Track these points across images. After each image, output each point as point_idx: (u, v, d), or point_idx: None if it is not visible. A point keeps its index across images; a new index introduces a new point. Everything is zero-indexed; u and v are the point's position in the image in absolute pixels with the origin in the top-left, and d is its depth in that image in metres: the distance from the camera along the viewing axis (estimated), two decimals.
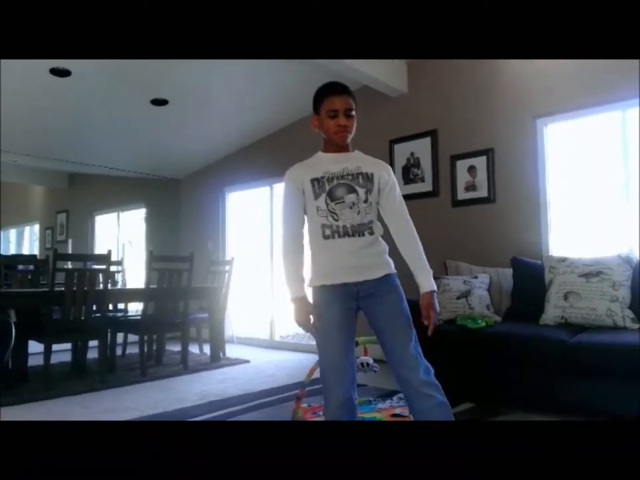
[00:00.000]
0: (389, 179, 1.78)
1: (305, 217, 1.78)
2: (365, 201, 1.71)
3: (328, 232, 1.70)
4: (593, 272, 2.99)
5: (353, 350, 1.75)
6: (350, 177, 1.71)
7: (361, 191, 1.71)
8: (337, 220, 1.69)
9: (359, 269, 1.70)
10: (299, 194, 1.75)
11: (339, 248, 1.70)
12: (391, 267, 1.76)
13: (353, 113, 1.73)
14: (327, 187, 1.70)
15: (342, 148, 1.77)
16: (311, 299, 1.76)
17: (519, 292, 3.43)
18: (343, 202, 1.69)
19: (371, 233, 1.72)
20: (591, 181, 3.68)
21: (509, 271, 3.52)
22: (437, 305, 1.72)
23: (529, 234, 3.80)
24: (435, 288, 1.74)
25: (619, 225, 3.49)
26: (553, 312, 3.05)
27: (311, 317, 1.73)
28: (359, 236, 1.70)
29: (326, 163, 1.75)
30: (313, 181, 1.71)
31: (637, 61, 3.28)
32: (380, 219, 1.80)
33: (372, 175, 1.74)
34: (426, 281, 1.73)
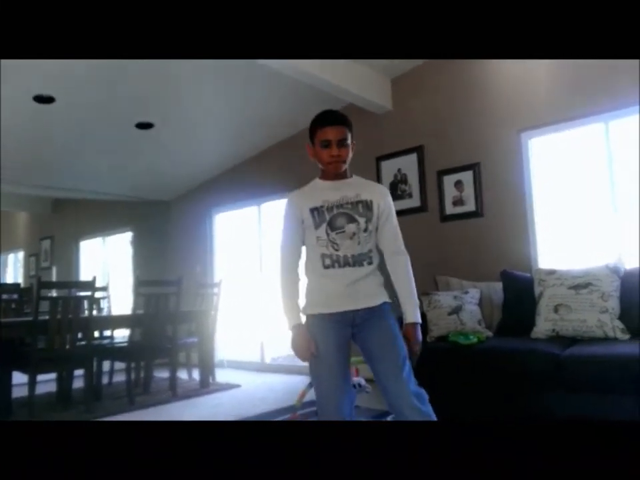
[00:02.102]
0: (385, 206, 1.77)
1: (303, 247, 1.78)
2: (365, 230, 1.71)
3: (328, 262, 1.69)
4: (582, 284, 2.99)
5: (349, 378, 1.74)
6: (349, 206, 1.71)
7: (361, 220, 1.70)
8: (337, 250, 1.68)
9: (356, 297, 1.70)
10: (298, 224, 1.74)
11: (338, 278, 1.69)
12: (386, 298, 1.76)
13: (348, 142, 1.72)
14: (327, 217, 1.69)
15: (339, 175, 1.76)
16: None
17: (509, 306, 3.41)
18: (344, 232, 1.68)
19: (370, 263, 1.72)
20: (576, 193, 3.71)
21: (499, 285, 3.51)
22: (419, 336, 1.74)
23: (517, 247, 3.81)
24: (419, 320, 1.75)
25: (606, 235, 3.51)
26: (543, 325, 3.04)
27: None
28: (359, 266, 1.70)
29: (324, 190, 1.74)
30: (312, 210, 1.71)
31: (616, 71, 3.34)
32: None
33: (371, 202, 1.73)
34: (411, 313, 1.75)
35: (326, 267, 1.70)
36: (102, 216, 7.65)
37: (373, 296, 1.72)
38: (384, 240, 1.79)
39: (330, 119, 1.72)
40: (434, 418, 1.62)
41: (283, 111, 4.71)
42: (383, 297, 1.75)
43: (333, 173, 1.74)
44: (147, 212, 6.96)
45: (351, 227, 1.68)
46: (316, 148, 1.74)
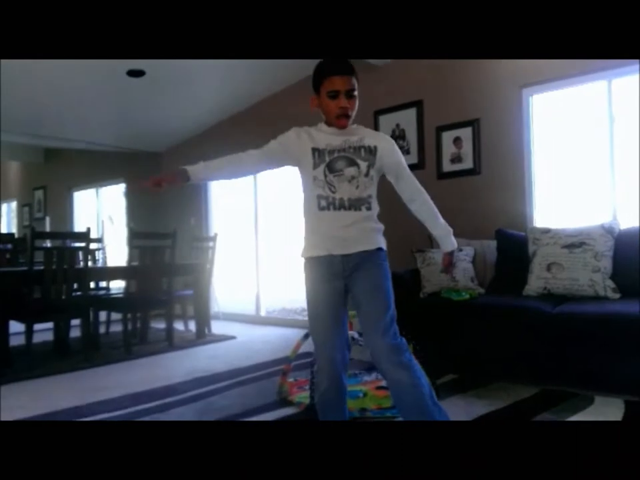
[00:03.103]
0: (393, 153, 1.74)
1: (302, 189, 1.75)
2: (366, 175, 1.67)
3: (323, 203, 1.66)
4: (575, 243, 3.01)
5: (344, 331, 1.74)
6: (352, 150, 1.67)
7: (363, 164, 1.66)
8: (333, 192, 1.65)
9: (347, 241, 1.67)
10: (284, 153, 1.73)
11: (332, 220, 1.66)
12: (381, 244, 1.73)
13: (355, 93, 1.67)
14: (327, 159, 1.66)
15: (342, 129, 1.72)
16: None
17: (503, 264, 3.45)
18: (342, 174, 1.65)
19: (368, 209, 1.69)
20: (575, 152, 3.68)
21: (494, 243, 3.53)
22: (453, 261, 1.88)
23: (514, 206, 3.80)
24: (455, 246, 1.84)
25: (603, 194, 3.51)
26: (535, 283, 3.07)
27: (161, 184, 1.75)
28: (355, 210, 1.66)
29: (328, 135, 1.70)
30: (314, 150, 1.67)
31: None
32: (384, 195, 1.78)
33: (375, 147, 1.69)
34: (447, 241, 1.83)
35: (321, 209, 1.66)
36: (95, 167, 7.54)
37: (367, 240, 1.69)
38: (405, 187, 1.78)
39: (339, 68, 1.65)
40: (413, 366, 1.62)
41: (279, 62, 4.57)
42: (379, 243, 1.72)
43: (339, 127, 1.69)
44: (139, 163, 6.87)
45: (350, 170, 1.65)
46: (322, 98, 1.68)
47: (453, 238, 1.83)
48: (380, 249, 1.72)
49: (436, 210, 1.81)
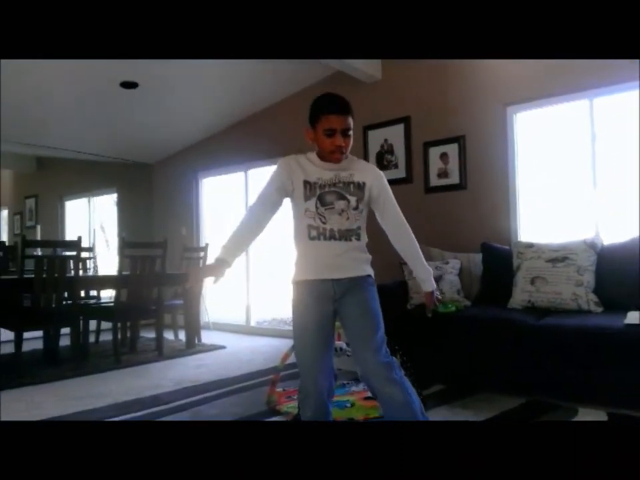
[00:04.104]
0: (381, 188, 1.77)
1: (292, 218, 1.77)
2: (355, 208, 1.70)
3: (314, 233, 1.69)
4: (559, 257, 3.09)
5: (330, 357, 1.75)
6: (341, 185, 1.70)
7: (352, 199, 1.70)
8: (324, 223, 1.68)
9: (337, 268, 1.70)
10: (283, 186, 1.72)
11: (323, 249, 1.70)
12: (371, 272, 1.78)
13: (351, 132, 1.70)
14: (318, 192, 1.69)
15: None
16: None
17: (488, 277, 3.51)
18: (333, 208, 1.68)
19: (358, 239, 1.73)
20: (559, 168, 3.77)
21: (479, 257, 3.60)
22: (435, 301, 1.90)
23: (498, 220, 3.88)
24: (435, 287, 1.89)
25: (586, 210, 3.59)
26: (520, 296, 3.14)
27: (204, 281, 1.75)
28: (345, 240, 1.70)
29: (319, 168, 1.72)
30: (305, 183, 1.69)
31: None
32: (371, 225, 1.81)
33: (363, 184, 1.73)
34: (427, 283, 1.87)
35: (311, 239, 1.70)
36: (87, 176, 7.56)
37: (356, 268, 1.73)
38: (387, 220, 1.80)
39: (337, 107, 1.67)
40: (405, 382, 1.65)
41: (271, 76, 4.65)
42: (367, 271, 1.76)
43: (332, 162, 1.71)
44: (130, 174, 6.91)
45: (340, 204, 1.69)
46: (318, 134, 1.69)
47: (432, 279, 1.87)
48: (368, 275, 1.77)
49: (420, 252, 1.84)
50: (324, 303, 1.71)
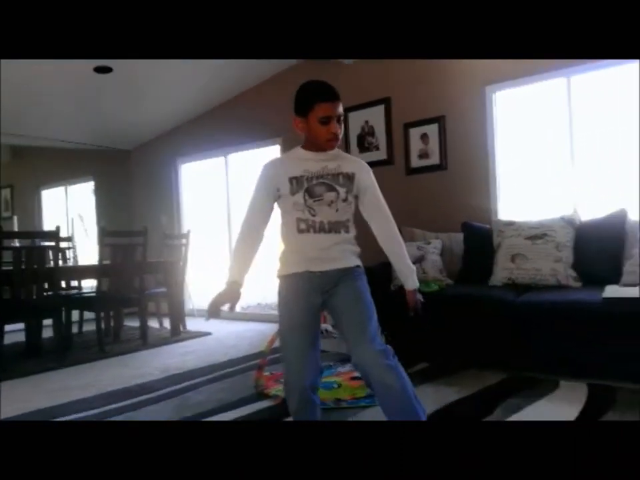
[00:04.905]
0: (369, 181, 1.77)
1: (280, 213, 1.75)
2: (344, 200, 1.69)
3: (303, 226, 1.68)
4: (538, 234, 3.14)
5: (317, 352, 1.74)
6: (330, 177, 1.69)
7: (341, 190, 1.69)
8: (314, 215, 1.67)
9: (326, 260, 1.69)
10: (272, 193, 1.71)
11: (312, 243, 1.68)
12: (359, 263, 1.77)
13: (342, 118, 1.70)
14: (306, 185, 1.67)
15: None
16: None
17: (469, 255, 3.56)
18: (322, 199, 1.66)
19: (347, 232, 1.72)
20: (537, 147, 3.81)
21: (460, 236, 3.64)
22: (418, 300, 1.86)
23: (479, 199, 3.92)
24: (417, 286, 1.85)
25: (564, 187, 3.65)
26: (500, 273, 3.19)
27: (224, 307, 1.73)
28: (335, 233, 1.69)
29: (306, 161, 1.70)
30: (291, 179, 1.68)
31: None
32: (359, 218, 1.80)
33: (352, 174, 1.72)
34: (410, 280, 1.83)
35: (300, 231, 1.68)
36: (63, 165, 7.40)
37: (345, 259, 1.72)
38: (372, 214, 1.79)
39: (331, 94, 1.66)
40: (400, 369, 1.64)
41: (249, 59, 4.58)
42: (356, 262, 1.75)
43: (328, 150, 1.70)
44: (108, 161, 6.78)
45: (330, 195, 1.67)
46: (310, 123, 1.67)
47: (415, 277, 1.85)
48: (358, 266, 1.76)
49: (404, 249, 1.82)
50: (312, 296, 1.70)
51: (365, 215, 1.81)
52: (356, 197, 1.76)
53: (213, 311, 1.74)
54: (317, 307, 1.72)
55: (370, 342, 1.63)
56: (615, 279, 2.84)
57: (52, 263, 4.06)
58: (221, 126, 5.61)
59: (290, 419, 1.78)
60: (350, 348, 1.68)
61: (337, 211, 1.68)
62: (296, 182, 1.68)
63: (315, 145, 1.71)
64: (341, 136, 1.70)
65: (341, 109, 1.68)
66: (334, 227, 1.69)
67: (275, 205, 1.76)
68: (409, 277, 1.83)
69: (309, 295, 1.70)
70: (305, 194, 1.67)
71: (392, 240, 1.81)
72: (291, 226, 1.70)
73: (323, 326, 2.93)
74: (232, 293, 1.72)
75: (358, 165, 1.77)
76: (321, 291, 1.70)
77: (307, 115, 1.68)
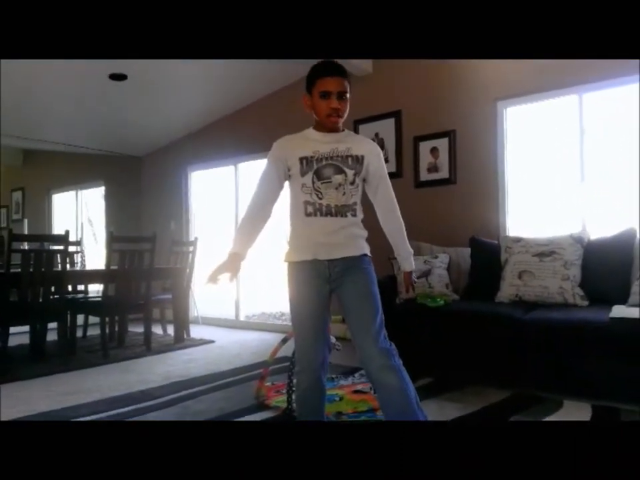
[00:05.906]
0: (378, 164, 1.78)
1: (290, 194, 1.77)
2: (352, 183, 1.70)
3: (310, 209, 1.70)
4: (546, 252, 3.11)
5: (326, 334, 1.78)
6: (339, 159, 1.70)
7: (350, 173, 1.70)
8: (320, 198, 1.68)
9: (333, 247, 1.71)
10: (282, 168, 1.73)
11: (319, 226, 1.70)
12: (366, 250, 1.78)
13: (347, 95, 1.71)
14: (315, 166, 1.68)
15: (333, 128, 1.74)
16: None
17: (476, 271, 3.53)
18: (330, 182, 1.68)
19: (354, 215, 1.73)
20: (547, 163, 3.80)
21: (468, 251, 3.62)
22: (414, 279, 1.98)
23: (487, 214, 3.90)
24: (413, 268, 1.95)
25: (573, 205, 3.62)
26: (507, 290, 3.17)
27: (221, 277, 1.73)
28: (341, 216, 1.70)
29: (316, 141, 1.72)
30: (301, 159, 1.69)
31: None
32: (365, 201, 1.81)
33: (362, 157, 1.73)
34: (407, 263, 1.92)
35: (307, 215, 1.70)
36: (74, 169, 7.49)
37: (352, 246, 1.74)
38: (379, 198, 1.82)
39: (331, 70, 1.69)
40: (402, 370, 1.67)
41: (261, 69, 4.62)
42: (363, 249, 1.77)
43: (329, 126, 1.72)
44: (119, 166, 6.85)
45: (338, 178, 1.68)
46: (314, 99, 1.70)
47: (412, 259, 1.93)
48: (365, 255, 1.77)
49: (404, 232, 1.89)
50: (320, 284, 1.73)
51: (370, 196, 1.84)
52: (364, 180, 1.78)
53: (212, 278, 1.74)
54: (325, 293, 1.75)
55: (374, 341, 1.66)
56: (623, 298, 2.80)
57: (60, 266, 4.08)
58: (231, 135, 5.65)
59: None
60: (354, 344, 1.72)
61: (343, 194, 1.70)
62: (306, 162, 1.69)
63: (321, 124, 1.73)
64: (344, 114, 1.71)
65: (344, 85, 1.69)
66: (340, 211, 1.70)
67: (286, 184, 1.78)
68: (406, 259, 1.91)
69: (317, 283, 1.73)
70: (313, 175, 1.69)
71: (394, 223, 1.86)
72: (299, 209, 1.72)
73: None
74: (232, 264, 1.74)
75: (368, 148, 1.78)
76: (328, 280, 1.72)
77: (311, 91, 1.72)
